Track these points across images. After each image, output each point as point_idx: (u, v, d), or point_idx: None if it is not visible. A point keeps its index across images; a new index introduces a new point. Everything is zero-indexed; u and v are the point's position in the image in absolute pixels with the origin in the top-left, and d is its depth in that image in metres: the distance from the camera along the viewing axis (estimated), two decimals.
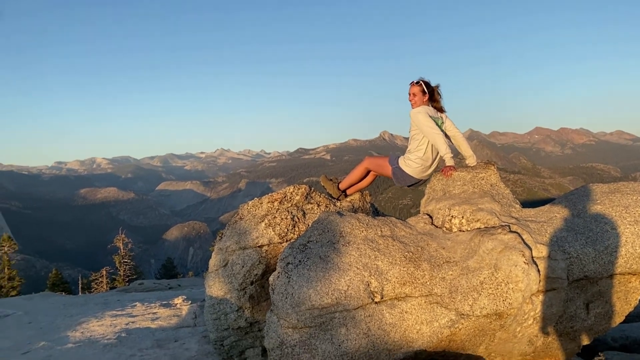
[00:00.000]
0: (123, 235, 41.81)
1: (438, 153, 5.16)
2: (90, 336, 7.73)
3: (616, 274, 4.12)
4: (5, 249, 39.56)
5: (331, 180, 5.99)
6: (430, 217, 4.71)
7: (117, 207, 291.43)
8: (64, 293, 25.87)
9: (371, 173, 5.75)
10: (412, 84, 5.22)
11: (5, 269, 38.66)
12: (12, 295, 33.88)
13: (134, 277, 40.36)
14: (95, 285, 41.00)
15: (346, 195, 5.95)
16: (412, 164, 5.17)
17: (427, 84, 5.19)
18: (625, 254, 4.02)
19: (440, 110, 5.27)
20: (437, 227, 4.53)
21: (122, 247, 41.20)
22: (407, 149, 5.28)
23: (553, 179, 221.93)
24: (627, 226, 4.07)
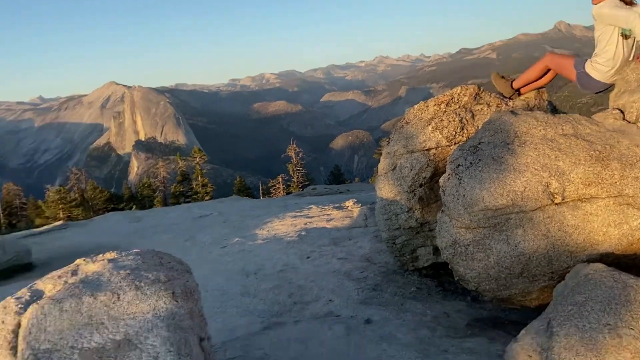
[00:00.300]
0: (294, 146, 44.84)
1: (632, 52, 4.47)
2: (275, 234, 8.68)
3: None
4: (197, 159, 45.33)
5: (503, 77, 5.60)
6: (622, 112, 4.20)
7: (287, 120, 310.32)
8: (248, 197, 29.04)
9: (551, 71, 5.22)
10: None
11: (199, 177, 44.53)
12: (206, 199, 39.13)
13: (307, 183, 43.53)
14: (273, 191, 45.26)
15: (519, 94, 5.54)
16: (601, 68, 4.56)
17: None
18: None
19: (631, 4, 4.47)
20: (630, 122, 4.04)
21: (294, 157, 44.35)
22: (594, 52, 4.67)
23: None
24: None
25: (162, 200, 44.42)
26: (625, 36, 4.40)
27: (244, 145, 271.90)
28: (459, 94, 5.54)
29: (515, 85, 5.43)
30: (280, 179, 45.12)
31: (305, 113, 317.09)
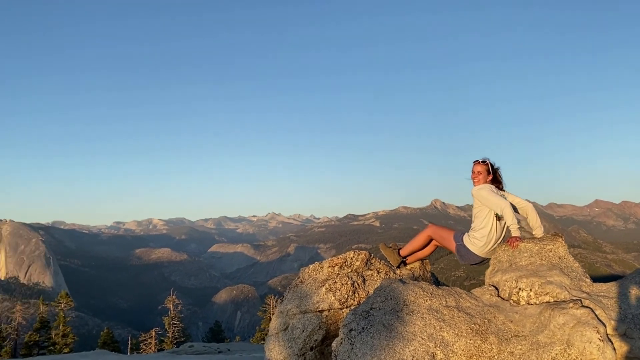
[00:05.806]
0: (174, 297, 42.42)
1: (502, 231, 5.11)
2: None
3: None
4: (62, 305, 40.82)
5: (390, 247, 5.97)
6: (496, 288, 4.62)
7: (169, 268, 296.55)
8: (114, 352, 26.14)
9: (432, 242, 5.71)
10: (476, 162, 5.27)
11: (61, 325, 39.70)
12: (64, 352, 34.54)
13: (182, 339, 40.48)
14: (143, 347, 41.33)
15: (405, 264, 5.92)
16: (477, 242, 5.11)
17: (491, 165, 5.24)
18: None
19: (501, 190, 5.29)
20: (503, 299, 4.44)
21: (172, 309, 41.70)
22: (472, 227, 5.25)
23: (616, 255, 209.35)
24: None
25: (11, 351, 38.35)
26: (498, 218, 5.04)
27: (119, 293, 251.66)
28: (352, 258, 5.79)
29: (403, 253, 5.80)
30: (153, 333, 41.56)
31: (190, 263, 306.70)
